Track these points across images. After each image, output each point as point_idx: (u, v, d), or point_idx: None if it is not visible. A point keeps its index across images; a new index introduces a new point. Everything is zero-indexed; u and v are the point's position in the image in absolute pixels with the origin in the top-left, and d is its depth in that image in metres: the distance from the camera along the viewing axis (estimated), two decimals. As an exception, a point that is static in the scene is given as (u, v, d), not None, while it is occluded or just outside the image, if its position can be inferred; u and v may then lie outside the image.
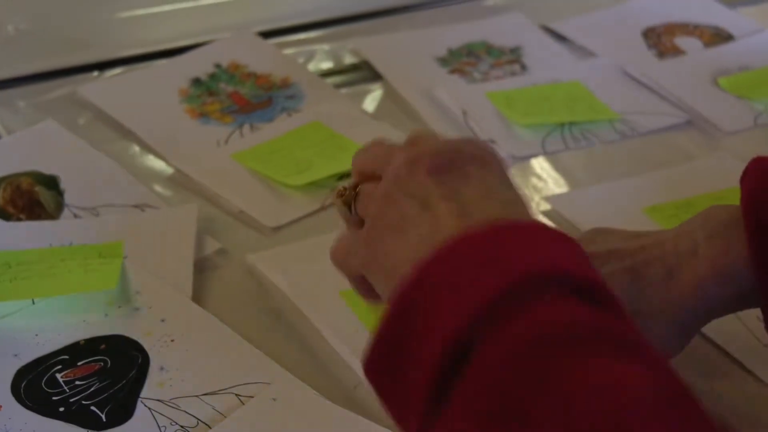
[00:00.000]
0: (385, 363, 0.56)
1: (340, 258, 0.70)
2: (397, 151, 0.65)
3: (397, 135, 1.09)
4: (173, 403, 0.77)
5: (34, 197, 0.98)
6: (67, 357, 0.81)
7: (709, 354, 0.84)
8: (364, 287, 0.68)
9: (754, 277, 0.73)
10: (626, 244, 0.76)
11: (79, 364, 0.80)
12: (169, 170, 1.04)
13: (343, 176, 1.02)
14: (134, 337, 0.83)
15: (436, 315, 0.53)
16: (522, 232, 0.57)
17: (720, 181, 1.05)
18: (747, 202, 0.74)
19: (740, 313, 0.80)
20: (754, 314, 0.80)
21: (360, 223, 0.67)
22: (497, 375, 0.49)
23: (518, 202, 0.62)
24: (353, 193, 0.68)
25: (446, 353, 0.51)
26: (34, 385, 0.78)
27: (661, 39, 1.33)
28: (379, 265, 0.63)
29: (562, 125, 1.13)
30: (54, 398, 0.77)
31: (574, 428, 0.45)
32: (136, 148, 1.07)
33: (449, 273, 0.54)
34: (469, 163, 0.62)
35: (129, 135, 1.08)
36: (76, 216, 0.97)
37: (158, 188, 1.02)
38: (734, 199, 1.01)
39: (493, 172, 0.63)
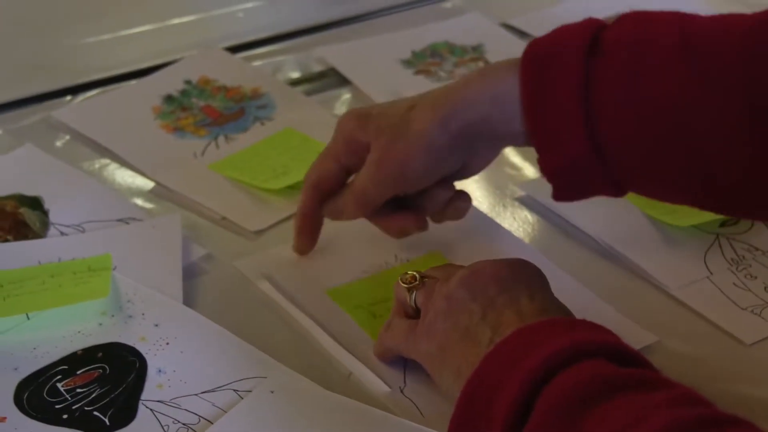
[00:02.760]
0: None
1: (395, 343, 0.81)
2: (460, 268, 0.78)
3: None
4: (174, 403, 0.79)
5: (19, 218, 0.99)
6: (66, 367, 0.82)
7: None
8: (389, 359, 0.83)
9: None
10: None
11: (79, 372, 0.82)
12: (150, 184, 1.06)
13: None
14: (130, 343, 0.84)
15: (499, 387, 0.65)
16: (563, 322, 0.71)
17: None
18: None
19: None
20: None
21: (413, 311, 0.79)
22: (551, 418, 0.61)
23: (565, 310, 0.75)
24: (420, 283, 0.80)
25: (512, 412, 0.63)
26: (36, 396, 0.80)
27: (618, 28, 1.35)
28: (446, 363, 0.74)
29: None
30: (57, 406, 0.79)
31: None
32: (115, 166, 1.09)
33: (507, 356, 0.67)
34: (524, 280, 0.75)
35: (107, 153, 1.10)
36: (62, 233, 0.98)
37: (140, 202, 1.04)
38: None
39: (543, 288, 0.76)
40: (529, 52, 0.83)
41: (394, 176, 0.86)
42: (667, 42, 0.77)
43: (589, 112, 0.78)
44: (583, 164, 0.80)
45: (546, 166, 0.82)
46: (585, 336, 0.67)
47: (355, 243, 0.96)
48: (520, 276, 0.76)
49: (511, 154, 1.10)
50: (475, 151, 0.86)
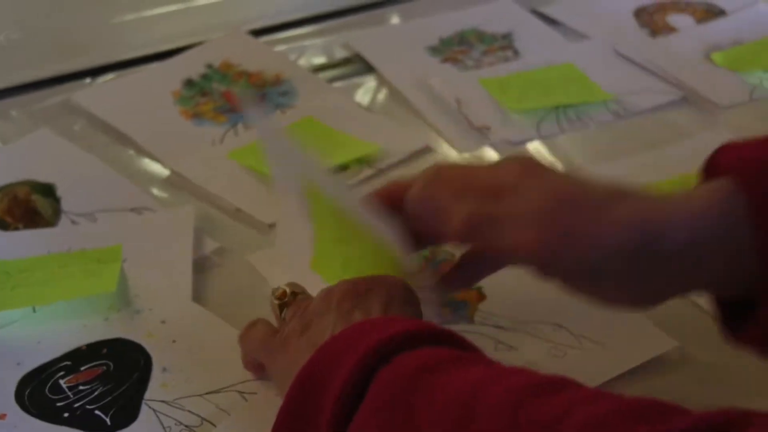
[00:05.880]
0: (291, 426, 0.66)
1: (253, 346, 0.78)
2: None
3: (391, 127, 1.10)
4: (177, 404, 0.77)
5: (31, 206, 0.98)
6: (69, 363, 0.81)
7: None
8: (252, 363, 0.79)
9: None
10: None
11: (82, 369, 0.81)
12: (166, 172, 1.04)
13: (337, 170, 1.02)
14: (135, 339, 0.83)
15: (332, 371, 0.64)
16: (404, 318, 0.71)
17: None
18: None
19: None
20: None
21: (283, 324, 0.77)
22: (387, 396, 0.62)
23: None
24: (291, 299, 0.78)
25: (344, 395, 0.63)
26: (37, 393, 0.78)
27: (653, 18, 1.32)
28: (291, 374, 0.69)
29: (556, 108, 1.13)
30: (58, 404, 0.77)
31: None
32: (132, 152, 1.07)
33: (342, 342, 0.67)
34: (383, 294, 0.73)
35: (124, 139, 1.08)
36: (73, 222, 0.97)
37: (155, 191, 1.02)
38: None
39: (403, 303, 0.73)
40: None
41: None
42: None
43: None
44: None
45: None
46: (422, 326, 0.67)
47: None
48: (379, 290, 0.73)
49: (533, 150, 1.08)
50: None
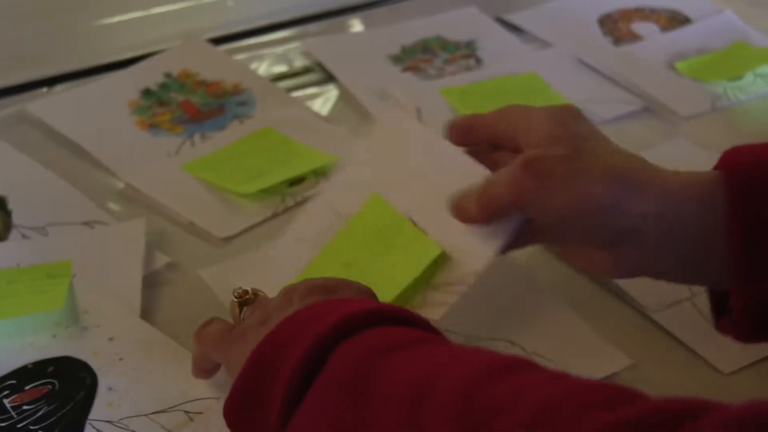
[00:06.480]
0: (243, 403, 0.66)
1: (209, 341, 0.76)
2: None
3: (349, 137, 1.09)
4: (122, 424, 0.76)
5: (-18, 219, 0.96)
6: (14, 381, 0.80)
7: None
8: (204, 365, 0.77)
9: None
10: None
11: (27, 388, 0.79)
12: (120, 185, 1.03)
13: (294, 182, 1.01)
14: (82, 357, 0.81)
15: (283, 356, 0.64)
16: (362, 298, 0.70)
17: (679, 168, 1.04)
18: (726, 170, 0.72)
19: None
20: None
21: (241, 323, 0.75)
22: (344, 371, 0.61)
23: None
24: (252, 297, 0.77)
25: (301, 368, 0.62)
26: (-19, 413, 0.77)
27: (617, 25, 1.32)
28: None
29: (517, 118, 1.12)
30: (1, 425, 0.76)
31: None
32: (87, 165, 1.06)
33: (291, 328, 0.66)
34: (342, 287, 0.73)
35: (79, 151, 1.07)
36: (24, 236, 0.95)
37: (110, 204, 1.00)
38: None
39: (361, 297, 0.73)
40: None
41: None
42: None
43: None
44: None
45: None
46: (385, 306, 0.67)
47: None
48: (339, 284, 0.73)
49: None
50: None
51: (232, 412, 0.67)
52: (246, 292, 0.76)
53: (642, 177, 0.72)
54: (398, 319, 0.66)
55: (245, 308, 0.76)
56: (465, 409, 0.55)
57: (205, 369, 0.78)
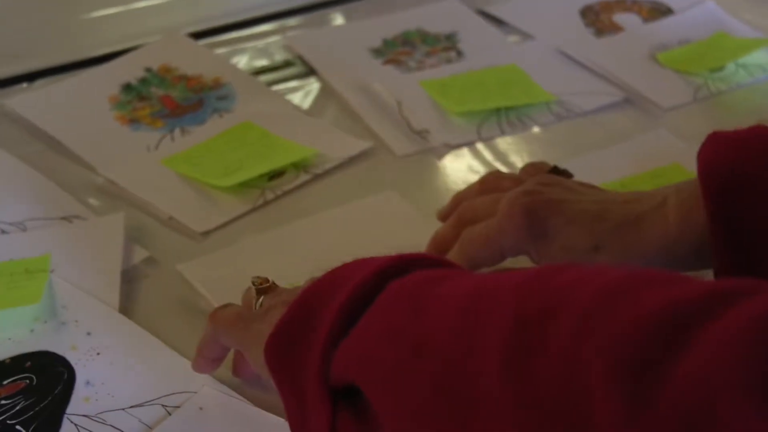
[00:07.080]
0: (288, 337, 0.65)
1: (227, 320, 0.74)
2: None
3: (330, 130, 1.09)
4: (99, 418, 0.76)
5: (-40, 216, 0.96)
6: (-8, 377, 0.80)
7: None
8: (211, 351, 0.77)
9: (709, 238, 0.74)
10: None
11: (5, 383, 0.79)
12: (100, 180, 1.03)
13: (273, 176, 1.01)
14: (60, 352, 0.81)
15: (335, 291, 0.64)
16: (379, 257, 0.68)
17: (660, 159, 1.04)
18: (702, 173, 0.75)
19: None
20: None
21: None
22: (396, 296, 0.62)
23: None
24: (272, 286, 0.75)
25: (351, 299, 0.63)
26: (-43, 408, 0.77)
27: (599, 17, 1.32)
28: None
29: (498, 111, 1.12)
30: (-22, 419, 0.76)
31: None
32: (66, 160, 1.05)
33: (340, 273, 0.66)
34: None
35: (59, 146, 1.07)
36: (3, 232, 0.95)
37: (89, 199, 1.00)
38: (674, 176, 1.01)
39: None
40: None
41: None
42: None
43: None
44: None
45: None
46: (427, 255, 0.71)
47: (304, 247, 0.92)
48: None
49: (473, 153, 1.07)
50: None
51: (274, 346, 0.66)
52: (267, 280, 0.75)
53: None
54: (434, 262, 0.67)
55: (263, 297, 0.74)
56: (522, 296, 0.55)
57: (209, 357, 0.77)
